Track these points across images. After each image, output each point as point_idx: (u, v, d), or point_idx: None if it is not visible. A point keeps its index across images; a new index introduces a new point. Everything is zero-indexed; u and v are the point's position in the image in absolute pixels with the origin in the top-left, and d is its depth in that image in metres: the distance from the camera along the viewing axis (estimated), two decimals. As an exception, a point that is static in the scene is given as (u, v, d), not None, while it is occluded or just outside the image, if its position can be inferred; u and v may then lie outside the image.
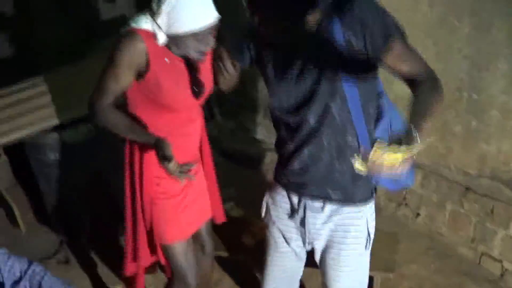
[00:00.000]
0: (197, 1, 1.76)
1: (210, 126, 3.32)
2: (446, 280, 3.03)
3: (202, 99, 2.06)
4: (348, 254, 1.89)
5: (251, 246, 3.07)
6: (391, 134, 1.78)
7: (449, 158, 2.97)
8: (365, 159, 1.48)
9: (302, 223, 1.90)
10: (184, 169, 1.89)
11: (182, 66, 1.95)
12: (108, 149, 3.26)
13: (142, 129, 1.96)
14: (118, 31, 1.88)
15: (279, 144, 1.87)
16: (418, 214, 3.33)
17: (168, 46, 1.87)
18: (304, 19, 1.57)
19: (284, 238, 1.99)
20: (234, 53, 1.85)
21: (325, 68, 1.61)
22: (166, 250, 2.21)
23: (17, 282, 1.80)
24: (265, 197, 2.06)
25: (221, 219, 2.50)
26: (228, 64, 1.83)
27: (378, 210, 1.96)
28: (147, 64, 1.85)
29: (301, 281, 2.21)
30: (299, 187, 1.86)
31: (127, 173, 2.14)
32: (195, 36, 1.79)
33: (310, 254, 2.01)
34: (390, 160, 1.44)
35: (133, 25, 1.84)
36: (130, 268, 2.31)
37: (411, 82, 1.63)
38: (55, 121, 3.18)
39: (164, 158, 1.82)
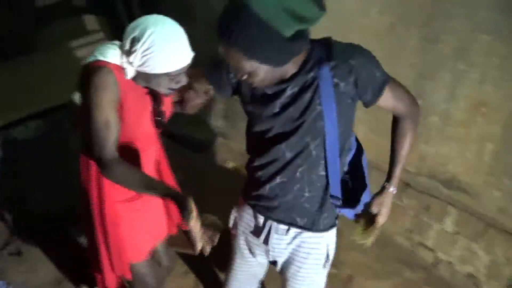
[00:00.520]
0: (173, 44, 1.70)
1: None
2: (384, 266, 3.23)
3: (161, 127, 2.05)
4: (307, 272, 1.99)
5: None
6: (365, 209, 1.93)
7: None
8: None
9: (266, 241, 1.97)
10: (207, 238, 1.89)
11: (147, 98, 1.92)
12: (58, 145, 3.26)
13: (161, 184, 1.88)
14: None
15: (251, 167, 1.88)
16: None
17: (134, 78, 1.83)
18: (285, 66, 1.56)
19: (249, 250, 2.08)
20: (214, 83, 1.84)
21: (308, 108, 1.62)
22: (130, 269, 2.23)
23: None
24: (233, 211, 2.11)
25: (173, 231, 2.52)
26: (200, 93, 1.86)
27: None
28: (119, 99, 1.78)
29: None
30: (266, 210, 1.91)
31: (87, 196, 2.08)
32: (168, 75, 1.76)
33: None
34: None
35: (100, 57, 1.76)
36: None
37: (395, 114, 1.81)
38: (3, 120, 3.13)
39: (188, 216, 1.75)
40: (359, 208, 1.92)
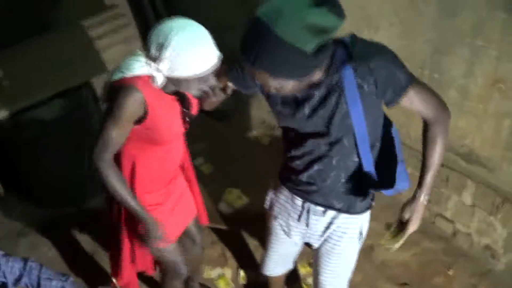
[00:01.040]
0: (201, 46, 1.71)
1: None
2: (403, 236, 3.30)
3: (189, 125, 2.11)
4: (342, 249, 2.08)
5: (229, 215, 3.26)
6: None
7: (410, 128, 3.13)
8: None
9: (305, 223, 2.07)
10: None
11: (175, 102, 1.96)
12: (81, 123, 3.32)
13: (137, 202, 2.01)
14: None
15: (288, 156, 1.94)
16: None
17: (164, 85, 1.85)
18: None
19: (285, 231, 2.18)
20: (239, 85, 1.90)
21: (336, 109, 1.66)
22: (157, 251, 2.32)
23: (18, 280, 2.02)
24: (269, 193, 2.20)
25: (204, 221, 2.62)
26: (217, 90, 1.88)
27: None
28: (146, 112, 1.83)
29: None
30: (305, 194, 2.00)
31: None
32: (198, 78, 1.76)
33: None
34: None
35: (128, 73, 1.78)
36: (125, 274, 2.40)
37: (424, 118, 1.78)
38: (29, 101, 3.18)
39: (149, 237, 2.05)
40: (399, 186, 1.89)
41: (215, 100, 1.96)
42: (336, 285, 2.24)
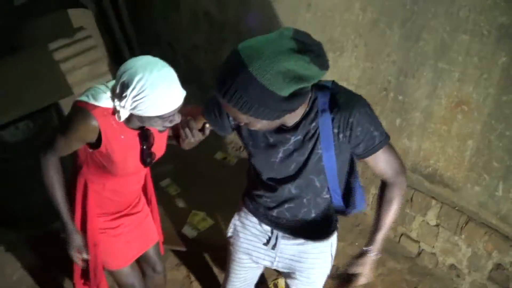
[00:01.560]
0: (163, 88, 1.67)
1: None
2: (369, 256, 3.30)
3: (149, 166, 2.09)
4: (316, 272, 2.05)
5: (194, 237, 3.23)
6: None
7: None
8: None
9: (273, 247, 2.03)
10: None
11: (136, 139, 1.93)
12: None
13: (68, 212, 2.04)
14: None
15: (255, 194, 1.94)
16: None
17: (126, 120, 1.84)
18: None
19: (251, 257, 2.12)
20: (214, 124, 1.87)
21: (311, 153, 1.66)
22: (112, 274, 2.31)
23: None
24: (233, 219, 2.15)
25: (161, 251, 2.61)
26: (196, 132, 1.85)
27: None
28: (99, 140, 1.82)
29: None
30: (274, 224, 1.97)
31: (72, 208, 2.14)
32: (161, 118, 1.75)
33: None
34: None
35: (92, 101, 1.78)
36: None
37: (383, 178, 1.78)
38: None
39: (68, 248, 2.09)
40: (359, 207, 1.94)
41: (193, 141, 1.92)
42: None
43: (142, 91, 1.65)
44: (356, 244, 3.38)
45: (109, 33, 4.60)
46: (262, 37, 1.41)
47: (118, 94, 1.72)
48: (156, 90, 1.66)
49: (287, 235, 1.97)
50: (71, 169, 2.11)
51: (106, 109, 1.79)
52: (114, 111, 1.79)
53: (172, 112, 1.74)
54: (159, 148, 2.06)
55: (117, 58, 4.56)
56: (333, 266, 2.09)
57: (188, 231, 3.19)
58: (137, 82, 1.65)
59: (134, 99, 1.68)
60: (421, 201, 3.11)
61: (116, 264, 2.27)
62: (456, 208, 2.93)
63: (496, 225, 2.78)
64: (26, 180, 3.33)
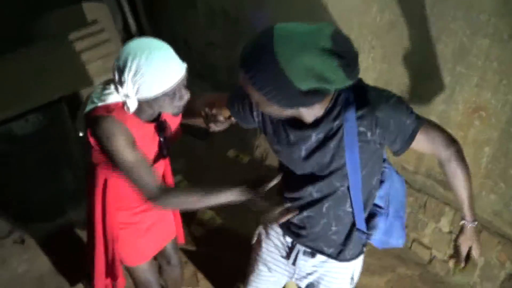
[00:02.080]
0: (160, 62, 1.63)
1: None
2: (379, 262, 3.25)
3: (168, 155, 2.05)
4: None
5: (202, 235, 3.20)
6: None
7: (390, 153, 3.10)
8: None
9: (293, 263, 1.97)
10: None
11: (152, 131, 1.89)
12: (57, 139, 3.25)
13: (218, 189, 1.77)
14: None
15: (283, 196, 1.87)
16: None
17: (138, 111, 1.78)
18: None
19: (269, 268, 2.07)
20: (237, 117, 1.84)
21: (335, 155, 1.60)
22: (128, 270, 2.28)
23: None
24: (259, 227, 2.10)
25: (181, 240, 2.55)
26: (221, 118, 1.85)
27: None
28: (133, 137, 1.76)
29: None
30: (295, 235, 1.91)
31: (91, 203, 2.10)
32: (167, 94, 1.69)
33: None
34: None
35: (99, 103, 1.73)
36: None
37: (437, 157, 1.71)
38: (5, 114, 3.09)
39: (253, 205, 1.75)
40: (393, 242, 1.88)
41: (220, 128, 1.91)
42: None
43: (139, 70, 1.62)
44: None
45: (125, 28, 4.59)
46: (302, 25, 1.37)
47: (118, 81, 1.68)
48: (153, 64, 1.62)
49: (308, 250, 1.91)
50: (89, 164, 2.06)
51: (116, 104, 1.74)
52: (124, 105, 1.75)
53: (176, 86, 1.69)
54: (174, 137, 2.03)
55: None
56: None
57: (196, 229, 3.16)
58: (132, 61, 1.62)
59: (134, 80, 1.64)
60: (435, 207, 3.06)
61: (135, 260, 2.24)
62: (470, 215, 2.87)
63: (510, 235, 2.71)
64: (34, 173, 3.36)
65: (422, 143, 1.61)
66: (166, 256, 2.54)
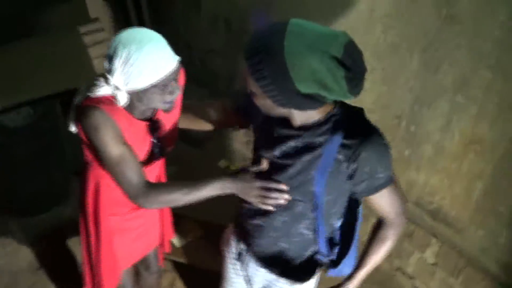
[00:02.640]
0: (152, 52, 1.57)
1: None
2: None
3: (164, 156, 1.99)
4: None
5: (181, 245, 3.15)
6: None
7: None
8: None
9: (245, 269, 1.95)
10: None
11: (144, 129, 1.82)
12: (48, 133, 3.21)
13: (201, 183, 1.70)
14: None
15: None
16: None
17: (130, 107, 1.73)
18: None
19: (235, 272, 2.04)
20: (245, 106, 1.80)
21: (304, 170, 1.55)
22: None
23: None
24: (225, 231, 2.08)
25: (167, 249, 2.50)
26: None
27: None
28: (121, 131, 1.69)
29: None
30: (246, 243, 1.88)
31: (84, 207, 2.05)
32: (157, 87, 1.63)
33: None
34: None
35: (89, 94, 1.67)
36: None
37: (383, 218, 1.68)
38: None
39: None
40: (345, 271, 1.83)
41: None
42: None
43: (129, 59, 1.56)
44: None
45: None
46: (318, 26, 1.33)
47: (108, 69, 1.62)
48: (143, 53, 1.56)
49: (258, 261, 1.87)
50: (82, 164, 2.00)
51: (107, 97, 1.68)
52: (114, 97, 1.68)
53: (166, 78, 1.62)
54: (169, 139, 1.96)
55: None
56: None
57: (175, 239, 3.09)
58: (122, 50, 1.56)
59: (123, 69, 1.58)
60: (421, 237, 2.99)
61: (125, 262, 2.20)
62: (457, 249, 2.81)
63: (494, 273, 2.65)
64: (24, 166, 3.32)
65: (380, 201, 1.59)
66: (146, 262, 2.48)
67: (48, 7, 3.66)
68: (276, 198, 1.60)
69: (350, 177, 1.52)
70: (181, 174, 3.95)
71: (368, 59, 2.83)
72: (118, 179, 1.70)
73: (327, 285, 1.92)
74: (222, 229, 2.13)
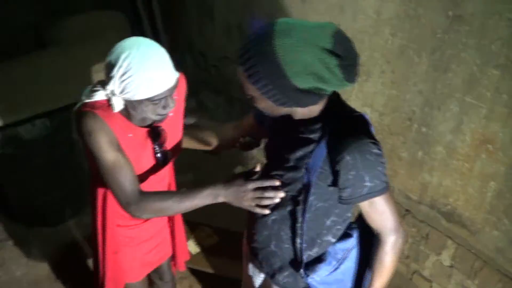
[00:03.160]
0: (151, 66, 1.57)
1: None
2: (378, 291, 3.16)
3: (169, 164, 1.99)
4: None
5: (197, 253, 3.16)
6: None
7: (394, 180, 3.03)
8: None
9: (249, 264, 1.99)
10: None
11: (145, 137, 1.83)
12: (64, 145, 3.28)
13: (194, 191, 1.69)
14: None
15: None
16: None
17: (126, 113, 1.73)
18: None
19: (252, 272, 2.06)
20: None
21: (296, 164, 1.57)
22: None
23: None
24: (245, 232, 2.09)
25: (181, 267, 2.49)
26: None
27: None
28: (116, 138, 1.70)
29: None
30: (248, 240, 1.92)
31: (93, 217, 2.07)
32: (151, 101, 1.63)
33: None
34: None
35: (86, 100, 1.69)
36: None
37: (377, 232, 1.65)
38: (13, 118, 3.10)
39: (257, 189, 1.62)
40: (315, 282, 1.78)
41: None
42: None
43: (129, 70, 1.56)
44: None
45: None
46: (304, 22, 1.36)
47: (106, 76, 1.63)
48: (144, 67, 1.56)
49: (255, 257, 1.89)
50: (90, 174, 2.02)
51: (103, 103, 1.70)
52: (109, 103, 1.69)
53: (163, 94, 1.63)
54: (174, 146, 1.96)
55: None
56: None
57: (191, 246, 3.11)
58: (124, 60, 1.56)
59: (121, 79, 1.58)
60: (437, 239, 2.97)
61: (130, 277, 2.19)
62: (473, 251, 2.78)
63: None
64: (38, 178, 3.37)
65: (372, 211, 1.57)
66: (159, 271, 2.49)
67: (64, 19, 3.73)
68: (271, 198, 1.60)
69: (335, 182, 1.53)
70: (198, 182, 3.99)
71: (378, 62, 2.86)
72: (111, 185, 1.70)
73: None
74: (237, 236, 2.15)
